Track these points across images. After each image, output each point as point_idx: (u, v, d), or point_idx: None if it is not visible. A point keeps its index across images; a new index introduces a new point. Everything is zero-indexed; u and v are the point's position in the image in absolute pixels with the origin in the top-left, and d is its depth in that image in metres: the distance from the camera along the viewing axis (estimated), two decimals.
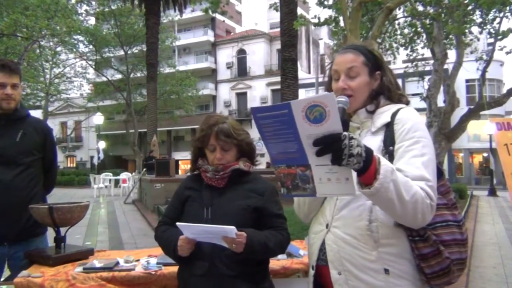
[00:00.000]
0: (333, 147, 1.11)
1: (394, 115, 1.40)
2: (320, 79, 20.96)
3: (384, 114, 1.43)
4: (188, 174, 1.94)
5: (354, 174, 1.17)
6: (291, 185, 1.23)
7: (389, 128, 1.39)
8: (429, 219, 1.26)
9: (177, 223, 1.59)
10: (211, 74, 36.57)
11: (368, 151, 1.15)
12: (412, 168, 1.27)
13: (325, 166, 1.15)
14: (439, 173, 1.40)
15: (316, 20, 9.41)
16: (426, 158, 1.29)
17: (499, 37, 10.48)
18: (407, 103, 1.50)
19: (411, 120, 1.37)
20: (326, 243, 1.41)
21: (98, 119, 24.32)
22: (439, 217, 1.33)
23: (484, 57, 12.28)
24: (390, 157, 1.34)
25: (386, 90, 1.48)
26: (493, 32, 11.11)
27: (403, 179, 1.21)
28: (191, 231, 1.59)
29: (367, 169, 1.15)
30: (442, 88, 11.06)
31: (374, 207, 1.32)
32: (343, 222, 1.38)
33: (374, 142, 1.39)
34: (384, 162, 1.18)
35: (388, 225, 1.31)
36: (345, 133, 1.11)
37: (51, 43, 22.44)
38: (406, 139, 1.33)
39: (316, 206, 1.52)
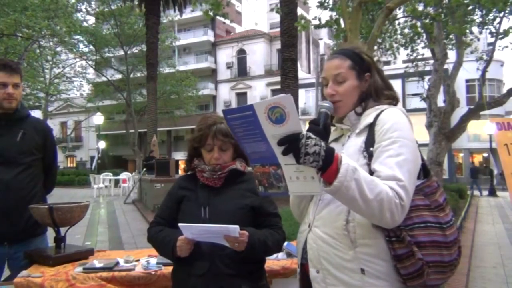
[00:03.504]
0: (292, 146, 1.15)
1: (377, 116, 1.42)
2: (321, 79, 20.97)
3: (369, 115, 1.45)
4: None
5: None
6: (267, 183, 1.28)
7: (371, 129, 1.41)
8: (400, 219, 1.26)
9: (179, 224, 1.59)
10: (211, 74, 36.57)
11: (329, 150, 1.17)
12: (385, 168, 1.28)
13: (292, 165, 1.19)
14: (426, 174, 1.41)
15: (317, 22, 9.40)
16: (401, 158, 1.29)
17: (501, 36, 10.48)
18: (392, 103, 1.49)
19: (391, 120, 1.37)
20: (308, 242, 1.44)
21: (98, 119, 24.32)
22: (417, 218, 1.32)
23: (484, 57, 12.26)
24: (370, 157, 1.35)
25: (373, 92, 1.49)
26: (494, 31, 11.10)
27: (367, 178, 1.22)
28: (192, 231, 1.60)
29: (327, 168, 1.17)
30: (442, 88, 11.04)
31: None
32: (322, 221, 1.41)
33: (356, 143, 1.42)
34: (346, 161, 1.20)
35: (365, 226, 1.32)
36: (303, 132, 1.15)
37: (51, 43, 22.43)
38: (384, 139, 1.34)
39: (305, 207, 1.55)
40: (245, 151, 1.27)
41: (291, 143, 1.15)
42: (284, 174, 1.22)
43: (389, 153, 1.31)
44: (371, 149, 1.36)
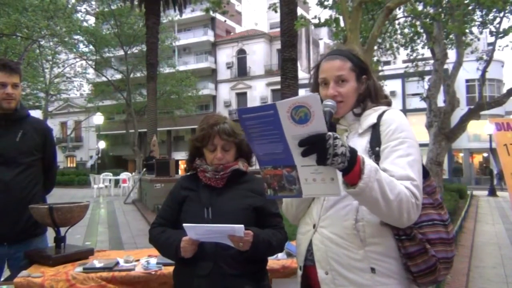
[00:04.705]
0: (317, 147, 1.12)
1: (380, 116, 1.43)
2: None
3: (370, 116, 1.46)
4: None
5: (340, 174, 1.18)
6: (277, 186, 1.24)
7: (375, 129, 1.42)
8: (415, 218, 1.28)
9: (184, 224, 1.59)
10: (211, 74, 36.56)
11: (353, 151, 1.17)
12: (397, 168, 1.29)
13: (310, 167, 1.17)
14: (425, 173, 1.43)
15: (316, 21, 9.40)
16: (411, 158, 1.32)
17: (501, 35, 10.49)
18: (389, 104, 1.53)
19: (396, 121, 1.39)
20: (313, 243, 1.43)
21: (98, 119, 24.32)
22: (425, 216, 1.35)
23: (484, 57, 12.26)
24: (377, 157, 1.37)
25: (373, 93, 1.51)
26: (495, 30, 11.09)
27: (387, 178, 1.23)
28: (196, 231, 1.60)
29: (351, 169, 1.16)
30: (442, 88, 11.04)
31: (361, 207, 1.34)
32: (330, 222, 1.40)
33: (361, 143, 1.42)
34: (368, 162, 1.20)
35: (374, 225, 1.33)
36: (329, 133, 1.13)
37: (51, 43, 22.43)
38: (391, 139, 1.36)
39: (304, 208, 1.54)
40: (256, 152, 1.23)
41: (316, 144, 1.12)
42: (299, 176, 1.19)
43: (398, 153, 1.33)
44: (377, 149, 1.38)
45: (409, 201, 1.23)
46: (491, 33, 11.31)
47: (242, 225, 1.53)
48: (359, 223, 1.34)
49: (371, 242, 1.32)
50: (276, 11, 10.92)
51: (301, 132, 1.13)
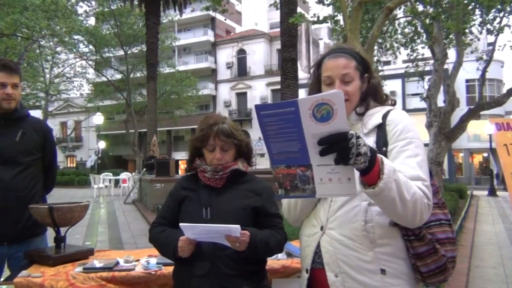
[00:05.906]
0: (339, 146, 1.09)
1: (385, 116, 1.42)
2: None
3: (374, 115, 1.45)
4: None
5: (357, 174, 1.17)
6: (289, 186, 1.20)
7: (380, 129, 1.41)
8: (426, 218, 1.28)
9: (180, 224, 1.59)
10: (211, 74, 36.56)
11: (372, 151, 1.15)
12: (408, 168, 1.29)
13: (327, 166, 1.14)
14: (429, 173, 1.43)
15: (315, 19, 9.41)
16: (420, 159, 1.32)
17: (496, 32, 10.53)
18: (394, 104, 1.52)
19: (402, 121, 1.39)
20: (322, 245, 1.41)
21: (98, 119, 24.33)
22: (433, 216, 1.36)
23: (484, 57, 12.26)
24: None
25: (375, 92, 1.50)
26: (492, 30, 11.11)
27: (403, 178, 1.22)
28: (193, 231, 1.60)
29: (371, 169, 1.15)
30: (442, 88, 11.04)
31: (369, 208, 1.33)
32: (338, 223, 1.38)
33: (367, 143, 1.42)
34: (387, 161, 1.19)
35: (383, 225, 1.32)
36: (351, 132, 1.10)
37: (51, 43, 22.44)
38: (399, 139, 1.36)
39: (308, 210, 1.52)
40: (270, 151, 1.20)
41: (337, 143, 1.09)
42: (314, 175, 1.16)
43: (407, 153, 1.32)
44: (384, 149, 1.37)
45: (422, 202, 1.23)
46: (488, 30, 11.30)
47: (238, 225, 1.53)
48: (369, 224, 1.33)
49: (380, 243, 1.32)
50: (277, 8, 10.97)
51: (322, 130, 1.09)
